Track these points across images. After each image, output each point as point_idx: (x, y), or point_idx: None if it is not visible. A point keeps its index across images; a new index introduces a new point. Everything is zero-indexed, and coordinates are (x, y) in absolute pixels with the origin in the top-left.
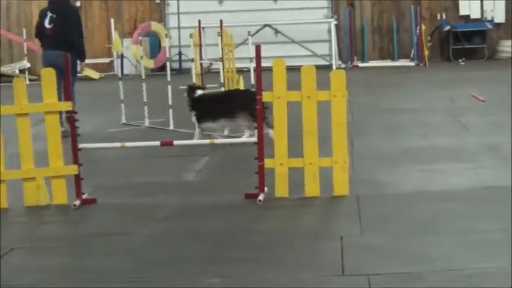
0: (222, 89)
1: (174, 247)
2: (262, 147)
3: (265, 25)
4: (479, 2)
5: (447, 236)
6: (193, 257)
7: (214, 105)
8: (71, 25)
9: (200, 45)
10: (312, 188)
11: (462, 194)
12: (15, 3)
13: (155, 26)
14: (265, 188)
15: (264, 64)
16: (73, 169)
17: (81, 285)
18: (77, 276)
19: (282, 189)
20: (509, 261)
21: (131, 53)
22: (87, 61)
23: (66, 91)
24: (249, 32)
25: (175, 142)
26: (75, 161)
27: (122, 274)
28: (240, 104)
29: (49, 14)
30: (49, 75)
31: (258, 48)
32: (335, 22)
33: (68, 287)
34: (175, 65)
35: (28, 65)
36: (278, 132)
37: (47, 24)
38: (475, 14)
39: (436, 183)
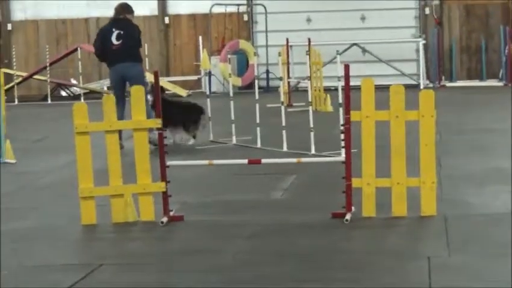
0: (310, 109)
1: (261, 265)
2: (350, 166)
3: (353, 44)
4: None
5: None
6: (280, 276)
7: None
8: (137, 40)
9: (288, 64)
10: (399, 207)
11: None
12: (104, 21)
13: (243, 44)
14: (353, 208)
15: (351, 83)
16: (161, 186)
17: None
18: None
19: (369, 208)
20: None
21: (219, 71)
22: (175, 78)
23: (157, 110)
24: (337, 50)
25: (263, 160)
26: (163, 178)
27: None
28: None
29: (115, 31)
30: (137, 93)
31: (347, 68)
32: (423, 41)
33: None
34: (263, 83)
35: None
36: (366, 152)
37: (114, 41)
38: None
39: None
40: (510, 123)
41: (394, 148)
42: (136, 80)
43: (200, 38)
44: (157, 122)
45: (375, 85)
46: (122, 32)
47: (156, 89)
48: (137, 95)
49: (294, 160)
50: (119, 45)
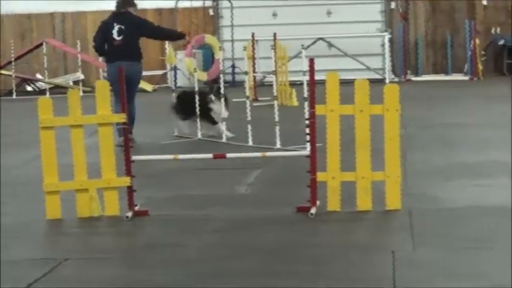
0: (276, 103)
1: (226, 260)
2: (315, 160)
3: (319, 38)
4: None
5: (500, 252)
6: (245, 270)
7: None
8: (139, 35)
9: (253, 58)
10: (364, 201)
11: None
12: (70, 16)
13: (209, 39)
14: (317, 202)
15: (317, 77)
16: (126, 181)
17: None
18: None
19: (334, 202)
20: None
21: (185, 66)
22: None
23: (122, 103)
24: (302, 45)
25: (228, 155)
26: (128, 172)
27: (175, 286)
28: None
29: (116, 26)
30: (103, 87)
31: (311, 62)
32: (389, 36)
33: None
34: (229, 78)
35: (82, 76)
36: (331, 146)
37: (115, 36)
38: None
39: (490, 198)
40: (483, 118)
41: (359, 142)
42: (133, 79)
43: None
44: (122, 117)
45: (341, 79)
46: (123, 27)
47: (120, 84)
48: (102, 89)
49: (259, 154)
50: (120, 41)
